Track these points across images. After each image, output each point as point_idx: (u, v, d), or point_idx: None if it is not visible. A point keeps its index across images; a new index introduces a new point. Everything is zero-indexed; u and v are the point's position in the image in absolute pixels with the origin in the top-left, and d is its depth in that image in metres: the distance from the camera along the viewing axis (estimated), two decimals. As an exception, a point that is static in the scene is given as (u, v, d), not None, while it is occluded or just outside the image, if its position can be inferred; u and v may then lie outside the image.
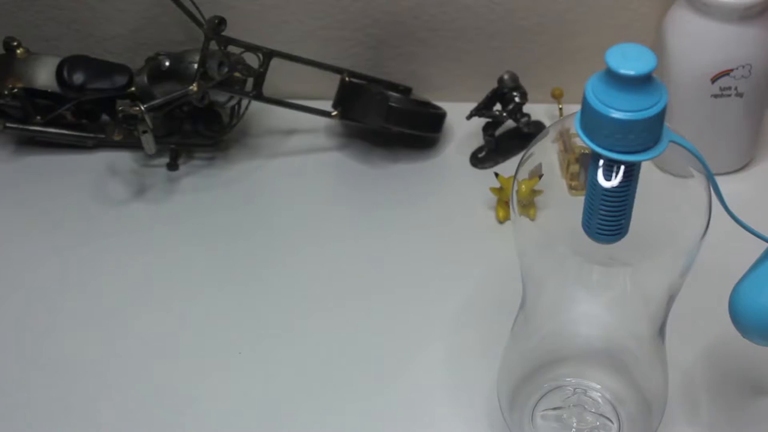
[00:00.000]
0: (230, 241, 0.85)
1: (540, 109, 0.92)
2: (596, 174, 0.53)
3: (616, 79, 0.50)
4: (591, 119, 0.51)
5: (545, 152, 0.60)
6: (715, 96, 0.82)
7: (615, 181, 0.52)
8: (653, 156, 0.51)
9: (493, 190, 0.84)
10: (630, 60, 0.50)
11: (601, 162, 0.52)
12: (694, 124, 0.85)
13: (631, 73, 0.49)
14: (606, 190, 0.53)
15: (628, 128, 0.50)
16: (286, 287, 0.81)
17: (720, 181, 0.85)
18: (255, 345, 0.77)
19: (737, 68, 0.81)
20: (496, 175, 0.84)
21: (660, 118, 0.51)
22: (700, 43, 0.81)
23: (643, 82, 0.50)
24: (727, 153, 0.88)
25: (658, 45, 0.84)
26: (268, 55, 0.86)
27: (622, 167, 0.52)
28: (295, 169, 0.90)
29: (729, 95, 0.82)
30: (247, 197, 0.88)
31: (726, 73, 0.81)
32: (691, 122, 0.84)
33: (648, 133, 0.51)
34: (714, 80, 0.81)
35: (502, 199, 0.85)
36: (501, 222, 0.85)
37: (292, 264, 0.83)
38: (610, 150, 0.51)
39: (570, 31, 0.90)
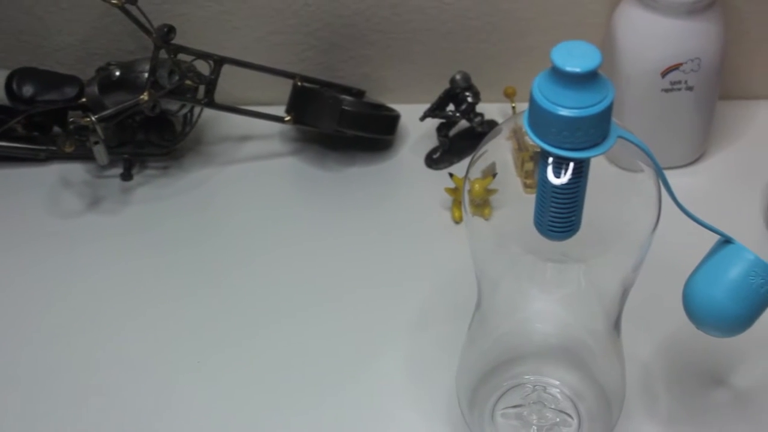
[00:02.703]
0: (187, 249, 0.84)
1: (493, 109, 0.92)
2: (546, 171, 0.53)
3: (562, 77, 0.50)
4: (539, 117, 0.51)
5: (499, 151, 0.60)
6: (666, 90, 0.83)
7: (565, 178, 0.52)
8: (601, 152, 0.52)
9: (448, 190, 0.85)
10: (575, 57, 0.50)
11: (551, 159, 0.52)
12: (646, 119, 0.85)
13: (577, 70, 0.49)
14: (556, 187, 0.53)
15: (576, 125, 0.50)
16: (245, 294, 0.80)
17: (673, 174, 0.87)
18: (214, 353, 0.76)
19: (686, 62, 0.81)
20: (451, 175, 0.84)
21: (607, 114, 0.51)
22: (649, 38, 0.82)
23: (589, 78, 0.50)
24: (679, 147, 0.88)
25: (608, 41, 0.85)
26: (219, 62, 0.86)
27: (572, 164, 0.52)
28: (250, 175, 0.90)
29: (679, 89, 0.83)
30: (203, 205, 0.88)
31: (675, 68, 0.82)
32: (642, 117, 0.85)
33: (595, 130, 0.51)
34: (664, 75, 0.82)
35: (458, 199, 0.85)
36: (457, 222, 0.85)
37: (250, 271, 0.82)
38: (559, 147, 0.51)
39: (521, 30, 0.91)
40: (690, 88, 0.83)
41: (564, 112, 0.50)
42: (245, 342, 0.77)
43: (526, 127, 0.52)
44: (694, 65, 0.82)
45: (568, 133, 0.51)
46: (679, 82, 0.83)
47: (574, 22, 0.89)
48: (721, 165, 0.90)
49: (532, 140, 0.52)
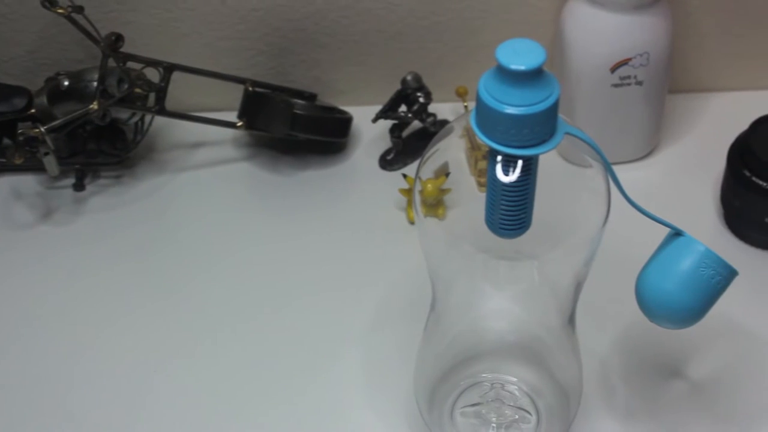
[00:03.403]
0: (142, 258, 0.84)
1: (446, 108, 0.93)
2: (495, 170, 0.53)
3: (507, 75, 0.50)
4: (486, 116, 0.51)
5: (451, 150, 0.60)
6: (616, 85, 0.83)
7: (513, 176, 0.53)
8: (549, 149, 0.52)
9: (402, 191, 0.85)
10: (520, 55, 0.50)
11: (499, 158, 0.53)
12: (597, 114, 0.86)
13: (522, 68, 0.49)
14: (505, 185, 0.53)
15: (523, 123, 0.50)
16: (201, 300, 0.80)
17: (626, 168, 0.88)
18: (170, 360, 0.76)
19: (635, 57, 0.82)
20: (405, 176, 0.84)
21: (553, 110, 0.51)
22: (597, 34, 0.82)
23: (534, 76, 0.50)
24: (631, 141, 0.89)
25: (557, 38, 0.85)
26: (169, 69, 0.85)
27: (520, 162, 0.52)
28: (204, 182, 0.90)
29: (629, 84, 0.83)
30: (157, 213, 0.87)
31: (624, 63, 0.82)
32: (593, 112, 0.86)
33: (542, 127, 0.51)
34: (613, 70, 0.82)
35: (412, 199, 0.85)
36: (412, 223, 0.85)
37: (206, 277, 0.82)
38: (507, 145, 0.52)
39: (471, 29, 0.91)
40: (639, 83, 0.84)
41: (510, 111, 0.50)
42: (201, 348, 0.77)
43: (473, 126, 0.53)
44: (643, 60, 0.82)
45: (516, 131, 0.51)
46: (629, 77, 0.83)
47: (523, 20, 0.90)
48: (673, 158, 0.90)
49: (480, 139, 0.52)
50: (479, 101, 0.51)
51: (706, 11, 0.90)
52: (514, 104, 0.50)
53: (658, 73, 0.84)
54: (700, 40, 0.92)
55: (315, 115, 0.87)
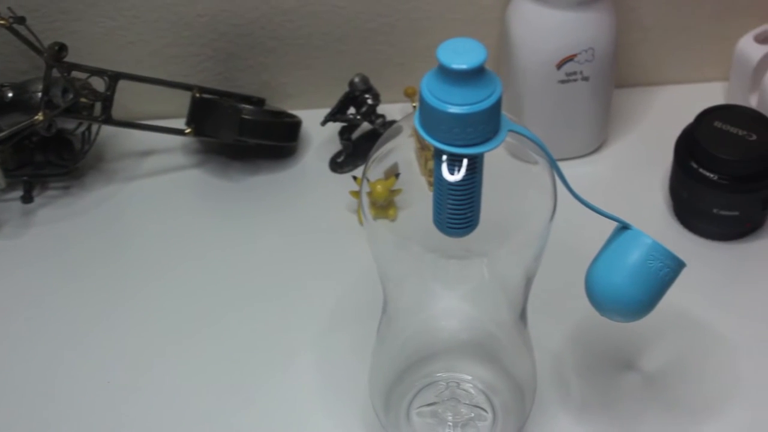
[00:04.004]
0: (94, 268, 0.83)
1: (395, 109, 0.93)
2: (440, 169, 0.53)
3: (449, 75, 0.50)
4: (429, 116, 0.52)
5: (401, 150, 0.60)
6: (562, 82, 0.84)
7: (459, 175, 0.53)
8: (493, 147, 0.52)
9: (353, 193, 0.84)
10: (461, 54, 0.50)
11: (444, 157, 0.53)
12: (545, 111, 0.86)
13: (463, 67, 0.50)
14: (451, 184, 0.53)
15: (466, 122, 0.51)
16: (155, 309, 0.80)
17: (575, 164, 0.89)
18: (125, 371, 0.76)
19: (580, 53, 0.82)
20: (355, 178, 0.84)
21: (496, 108, 0.51)
22: (542, 31, 0.83)
23: (476, 75, 0.50)
24: (579, 137, 0.89)
25: (503, 36, 0.86)
26: (114, 77, 0.85)
27: (465, 160, 0.53)
28: (154, 190, 0.89)
29: (575, 80, 0.84)
30: (108, 223, 0.87)
31: (570, 59, 0.83)
32: (541, 109, 0.86)
33: (486, 125, 0.52)
34: (559, 66, 0.83)
35: (369, 200, 0.85)
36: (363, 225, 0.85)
37: (159, 285, 0.81)
38: (451, 144, 0.52)
39: (417, 30, 0.91)
40: (586, 79, 0.84)
41: (453, 110, 0.50)
42: (156, 357, 0.76)
43: (417, 127, 0.53)
44: (588, 55, 0.83)
45: (459, 130, 0.51)
46: (575, 73, 0.84)
47: (469, 18, 0.90)
48: (622, 152, 0.91)
49: (425, 139, 0.52)
50: (422, 101, 0.51)
51: (649, 5, 0.91)
52: (456, 103, 0.50)
53: (603, 68, 0.84)
54: (645, 34, 0.93)
55: (263, 120, 0.87)
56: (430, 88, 0.51)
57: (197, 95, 0.88)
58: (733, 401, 0.72)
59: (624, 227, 0.60)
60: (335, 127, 0.90)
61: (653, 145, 0.89)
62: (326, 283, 0.80)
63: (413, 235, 0.59)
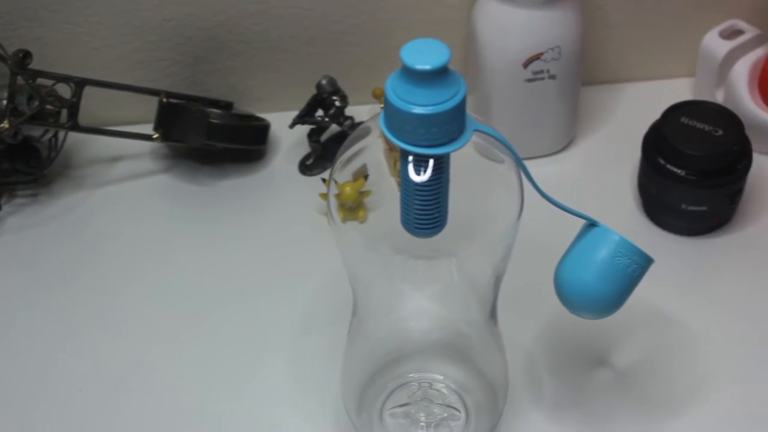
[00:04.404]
0: (65, 276, 0.82)
1: (363, 111, 0.93)
2: (407, 170, 0.53)
3: (412, 75, 0.50)
4: (394, 117, 0.52)
5: (370, 151, 0.60)
6: (529, 80, 0.84)
7: (425, 176, 0.53)
8: (459, 147, 0.52)
9: (322, 195, 0.84)
10: (424, 55, 0.50)
11: (410, 158, 0.53)
12: (512, 110, 0.86)
13: (426, 67, 0.50)
14: (418, 185, 0.53)
15: (431, 122, 0.51)
16: (126, 315, 0.79)
17: (544, 162, 0.89)
18: (96, 377, 0.75)
19: (547, 51, 0.83)
20: (324, 180, 0.84)
21: (461, 108, 0.51)
22: (508, 30, 0.83)
23: (440, 75, 0.50)
24: (547, 135, 0.90)
25: (470, 36, 0.86)
26: (80, 84, 0.84)
27: (431, 161, 0.53)
28: (123, 196, 0.89)
29: (542, 78, 0.84)
30: (77, 230, 0.86)
31: (537, 57, 0.83)
32: (508, 108, 0.86)
33: (451, 125, 0.52)
34: (526, 65, 0.83)
35: (338, 203, 0.85)
36: (335, 226, 0.85)
37: (130, 292, 0.81)
38: (417, 145, 0.52)
39: (384, 31, 0.91)
40: (553, 77, 0.84)
41: (418, 110, 0.50)
42: (128, 362, 0.76)
43: (382, 128, 0.53)
44: (555, 54, 0.83)
45: (424, 130, 0.51)
46: (542, 72, 0.84)
47: (436, 19, 0.90)
48: (590, 150, 0.91)
49: (390, 140, 0.52)
50: (387, 103, 0.52)
51: (615, 3, 0.91)
52: (421, 104, 0.50)
53: (570, 66, 0.85)
54: (611, 32, 0.93)
55: (231, 124, 0.87)
56: (395, 89, 0.51)
57: (164, 100, 0.88)
58: (704, 395, 0.73)
59: (592, 224, 0.60)
60: (304, 129, 0.90)
61: (621, 142, 0.90)
62: (298, 286, 0.80)
63: (381, 237, 0.59)
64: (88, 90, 0.85)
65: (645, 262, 0.60)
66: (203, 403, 0.73)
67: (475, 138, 0.55)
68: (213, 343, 0.77)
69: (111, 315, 0.80)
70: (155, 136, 0.88)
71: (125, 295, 0.81)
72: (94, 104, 0.88)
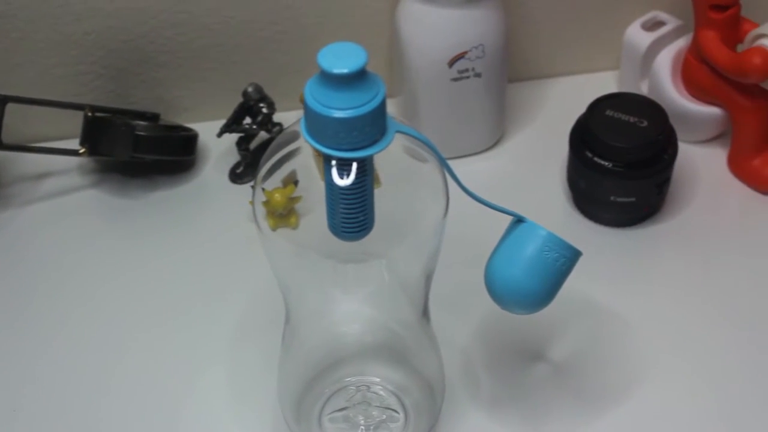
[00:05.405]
0: (-6, 296, 0.82)
1: (292, 117, 0.90)
2: (331, 174, 0.53)
3: (331, 80, 0.50)
4: (315, 122, 0.52)
5: (299, 157, 0.60)
6: (455, 79, 0.84)
7: (350, 179, 0.53)
8: (380, 149, 0.52)
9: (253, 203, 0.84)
10: (341, 58, 0.50)
11: (334, 162, 0.53)
12: (440, 109, 0.87)
13: (344, 71, 0.50)
14: (342, 188, 0.53)
15: (351, 125, 0.51)
16: (59, 334, 0.78)
17: (473, 160, 0.90)
18: (31, 396, 0.74)
19: (471, 50, 0.83)
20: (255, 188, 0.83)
21: (381, 110, 0.51)
22: (431, 30, 0.83)
23: (358, 78, 0.50)
24: (476, 133, 0.90)
25: (394, 37, 0.86)
26: (2, 101, 0.83)
27: (354, 164, 0.53)
28: (52, 213, 0.87)
29: (468, 77, 0.85)
30: (6, 249, 0.85)
31: (461, 56, 0.83)
32: (436, 108, 0.87)
33: (371, 128, 0.52)
34: (451, 64, 0.83)
35: (268, 210, 0.84)
36: (273, 230, 0.84)
37: (63, 309, 0.80)
38: (338, 149, 0.52)
39: (310, 35, 0.91)
40: (478, 75, 0.85)
41: (338, 114, 0.50)
42: (59, 380, 0.75)
43: (303, 133, 0.53)
44: (479, 52, 0.83)
45: (345, 134, 0.51)
46: (467, 70, 0.84)
47: (360, 22, 0.90)
48: (519, 146, 0.92)
49: (311, 145, 0.52)
50: (306, 108, 0.52)
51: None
52: (340, 108, 0.50)
53: (495, 63, 0.85)
54: (535, 28, 0.94)
55: (158, 135, 0.86)
56: (314, 94, 0.51)
57: (89, 114, 0.87)
58: (640, 384, 0.73)
59: (519, 220, 0.61)
60: (233, 138, 0.89)
61: (549, 137, 0.90)
62: (232, 295, 0.80)
63: (310, 243, 0.59)
64: (11, 107, 0.84)
65: (573, 255, 0.61)
66: (140, 417, 0.73)
67: (402, 139, 0.55)
68: (149, 358, 0.76)
69: (42, 333, 0.78)
70: (81, 151, 0.87)
71: (57, 313, 0.80)
72: (18, 121, 0.86)
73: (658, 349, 0.75)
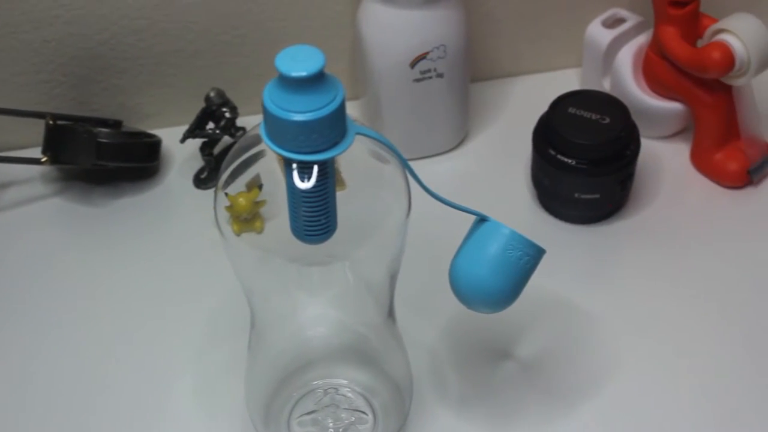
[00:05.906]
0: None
1: (255, 120, 0.90)
2: (292, 177, 0.53)
3: (289, 83, 0.50)
4: (274, 125, 0.52)
5: (262, 161, 0.59)
6: (417, 80, 0.84)
7: (311, 182, 0.53)
8: (341, 151, 0.52)
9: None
10: (299, 62, 0.50)
11: (294, 165, 0.53)
12: (403, 110, 0.87)
13: (302, 74, 0.50)
14: (304, 191, 0.53)
15: (310, 128, 0.51)
16: (24, 343, 0.78)
17: (438, 160, 0.90)
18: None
19: (432, 50, 0.83)
20: (218, 193, 0.83)
21: (340, 113, 0.51)
22: (392, 31, 0.83)
23: (316, 81, 0.50)
24: (439, 133, 0.90)
25: (356, 39, 0.86)
26: (-37, 111, 0.83)
27: (315, 167, 0.53)
28: (15, 223, 0.87)
29: (430, 77, 0.85)
30: (-30, 260, 0.85)
31: (423, 57, 0.83)
32: (399, 109, 0.87)
33: (331, 130, 0.52)
34: (413, 65, 0.83)
35: (232, 215, 0.84)
36: (237, 234, 0.84)
37: (28, 319, 0.79)
38: (298, 152, 0.52)
39: (272, 39, 0.91)
40: (440, 75, 0.85)
41: (297, 117, 0.50)
42: (33, 389, 0.75)
43: (263, 137, 0.53)
44: (441, 52, 0.83)
45: (304, 137, 0.51)
46: (429, 71, 0.84)
47: (322, 25, 0.90)
48: (483, 146, 0.92)
49: (271, 149, 0.52)
50: (266, 111, 0.52)
51: (499, -2, 0.92)
52: (299, 111, 0.50)
53: (457, 63, 0.85)
54: (496, 27, 0.94)
55: (121, 142, 0.86)
56: (273, 97, 0.51)
57: (51, 122, 0.86)
58: (609, 380, 0.74)
59: (482, 219, 0.61)
60: (196, 143, 0.89)
61: (513, 136, 0.90)
62: (199, 301, 0.79)
63: (273, 247, 0.59)
64: (-30, 117, 0.84)
65: (537, 253, 0.61)
66: (111, 425, 0.72)
67: (365, 141, 0.55)
68: (117, 366, 0.76)
69: (7, 344, 0.78)
70: (43, 159, 0.86)
71: (23, 323, 0.79)
72: (-21, 131, 0.86)
73: (625, 345, 0.76)
